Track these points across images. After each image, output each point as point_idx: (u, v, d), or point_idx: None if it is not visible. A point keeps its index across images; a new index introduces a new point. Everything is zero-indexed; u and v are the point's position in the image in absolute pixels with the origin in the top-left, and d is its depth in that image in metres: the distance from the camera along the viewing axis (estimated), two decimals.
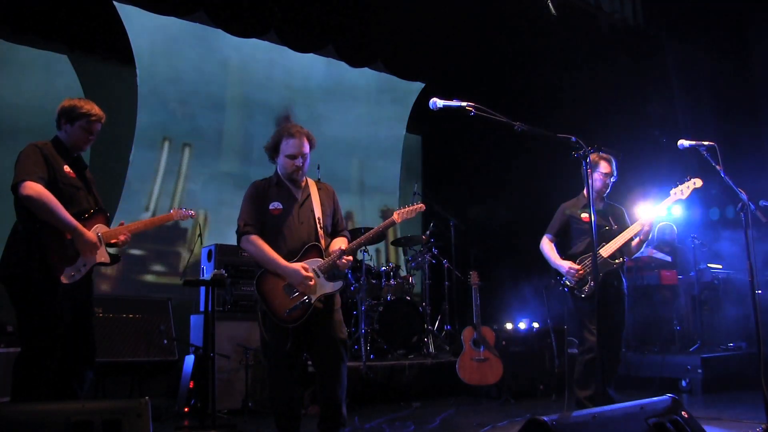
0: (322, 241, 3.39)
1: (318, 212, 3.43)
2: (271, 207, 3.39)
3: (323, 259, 3.34)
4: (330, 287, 3.34)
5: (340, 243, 3.44)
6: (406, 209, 3.56)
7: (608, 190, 4.33)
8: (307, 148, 3.42)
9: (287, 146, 3.39)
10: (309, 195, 3.47)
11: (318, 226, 3.40)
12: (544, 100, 7.60)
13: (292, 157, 3.38)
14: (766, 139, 7.54)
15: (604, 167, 4.24)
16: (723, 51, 7.74)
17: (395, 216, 3.52)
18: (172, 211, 3.88)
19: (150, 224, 3.72)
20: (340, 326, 3.41)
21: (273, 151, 3.46)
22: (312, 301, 3.26)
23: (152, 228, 3.82)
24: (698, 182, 4.09)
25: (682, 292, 6.64)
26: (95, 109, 3.33)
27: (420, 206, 3.61)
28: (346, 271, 3.63)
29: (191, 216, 3.95)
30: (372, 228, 3.92)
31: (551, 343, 5.74)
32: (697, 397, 5.59)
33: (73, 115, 3.26)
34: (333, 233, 3.55)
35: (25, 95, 6.09)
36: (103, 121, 3.35)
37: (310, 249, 3.34)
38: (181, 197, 7.02)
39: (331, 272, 3.35)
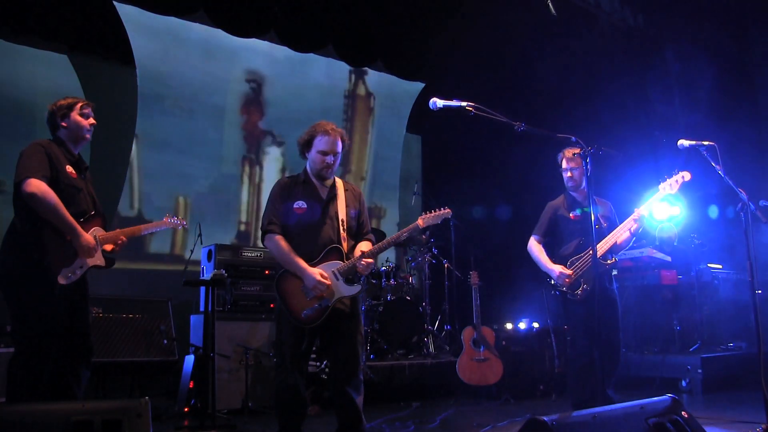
0: (344, 243, 3.39)
1: (342, 213, 3.43)
2: (295, 206, 3.39)
3: (343, 262, 3.33)
4: (348, 291, 3.33)
5: (363, 247, 3.43)
6: (432, 215, 3.46)
7: (584, 184, 4.21)
8: (339, 147, 3.42)
9: (321, 142, 3.39)
10: (335, 195, 3.47)
11: (341, 227, 3.40)
12: (544, 100, 7.60)
13: (324, 153, 3.38)
14: (766, 139, 7.54)
15: (565, 164, 4.22)
16: (723, 51, 7.74)
17: (420, 221, 3.44)
18: (165, 218, 3.93)
19: (144, 229, 3.78)
20: (360, 329, 3.44)
21: (306, 145, 3.45)
22: (329, 305, 3.27)
23: (146, 233, 3.87)
24: (687, 175, 4.03)
25: (682, 292, 6.64)
26: (79, 98, 3.41)
27: (446, 211, 3.50)
28: None
29: (183, 225, 4.01)
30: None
31: (551, 343, 5.74)
32: (697, 397, 5.58)
33: (65, 109, 3.30)
34: (357, 235, 3.53)
35: (25, 96, 6.08)
36: (92, 105, 3.40)
37: (330, 251, 3.34)
38: (182, 198, 7.01)
39: (350, 275, 3.35)
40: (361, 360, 3.39)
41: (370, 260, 3.33)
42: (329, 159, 3.38)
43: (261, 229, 3.43)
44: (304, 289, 3.26)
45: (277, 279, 3.34)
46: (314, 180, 3.46)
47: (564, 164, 4.23)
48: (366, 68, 8.04)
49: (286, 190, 3.44)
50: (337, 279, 3.29)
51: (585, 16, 7.14)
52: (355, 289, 3.35)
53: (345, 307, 3.34)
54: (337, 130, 3.43)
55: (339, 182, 3.54)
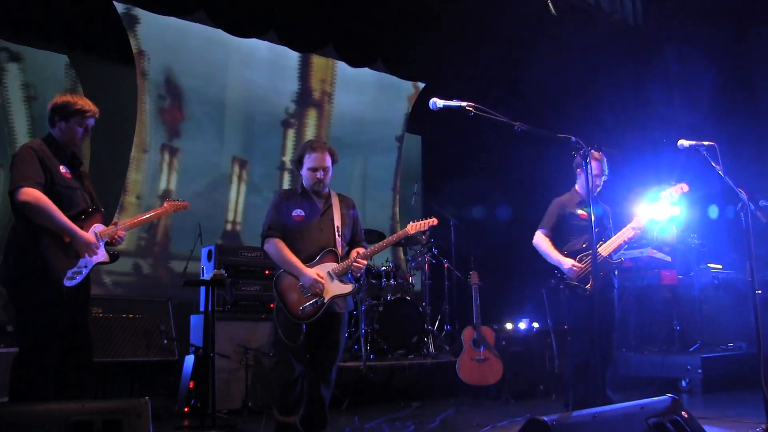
0: (339, 249, 3.63)
1: (337, 222, 3.67)
2: (294, 213, 3.64)
3: (338, 264, 3.58)
4: (342, 290, 3.58)
5: (359, 250, 3.70)
6: (420, 222, 3.82)
7: (599, 189, 4.30)
8: (329, 161, 3.66)
9: (309, 160, 3.63)
10: (330, 205, 3.73)
11: (336, 234, 3.64)
12: (544, 100, 7.59)
13: (314, 170, 3.63)
14: (766, 139, 7.54)
15: (594, 167, 4.20)
16: (723, 51, 7.73)
17: (409, 228, 3.79)
18: (165, 204, 3.84)
19: (146, 219, 3.69)
20: (344, 330, 3.68)
21: (298, 163, 3.71)
22: (325, 302, 3.51)
23: (148, 223, 3.84)
24: (685, 187, 4.12)
25: (682, 292, 6.64)
26: (88, 105, 3.30)
27: (433, 221, 3.91)
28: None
29: (185, 207, 3.90)
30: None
31: (551, 343, 5.74)
32: (697, 397, 5.59)
33: (67, 112, 3.23)
34: (351, 243, 3.79)
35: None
36: (97, 116, 3.33)
37: (327, 253, 3.60)
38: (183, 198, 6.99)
39: (345, 276, 3.60)
40: (338, 361, 3.68)
41: (364, 261, 3.62)
42: (319, 174, 3.63)
43: (261, 234, 3.68)
44: (301, 288, 3.50)
45: (276, 278, 3.58)
46: (310, 192, 3.72)
47: (595, 169, 4.24)
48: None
49: (284, 199, 3.71)
50: (332, 279, 3.55)
51: (585, 15, 7.14)
52: (349, 288, 3.61)
53: (338, 308, 3.59)
54: (325, 146, 3.68)
55: (333, 194, 3.80)
